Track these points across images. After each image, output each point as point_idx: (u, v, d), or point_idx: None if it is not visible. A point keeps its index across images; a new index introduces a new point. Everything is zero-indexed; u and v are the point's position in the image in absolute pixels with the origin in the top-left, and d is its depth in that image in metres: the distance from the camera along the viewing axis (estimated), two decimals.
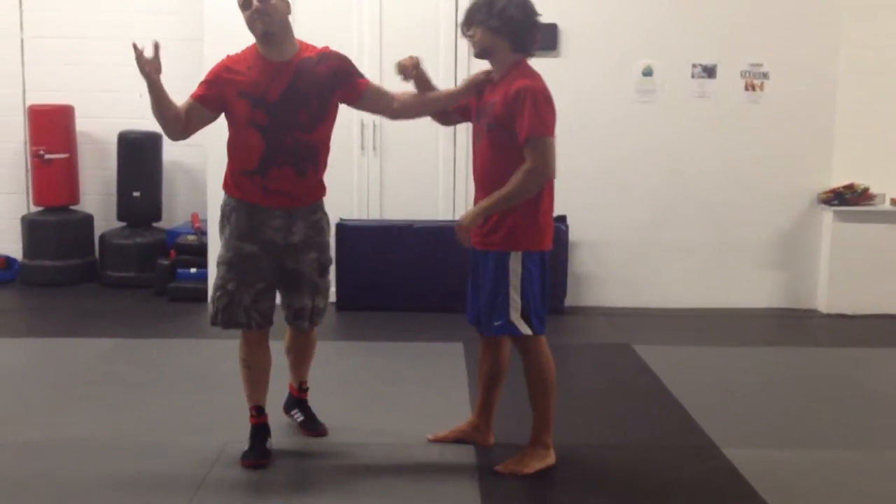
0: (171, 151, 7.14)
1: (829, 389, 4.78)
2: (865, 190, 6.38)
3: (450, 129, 6.37)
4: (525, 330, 3.50)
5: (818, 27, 6.38)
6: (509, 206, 3.42)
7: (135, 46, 3.22)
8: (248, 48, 3.52)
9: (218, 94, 3.44)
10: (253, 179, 3.47)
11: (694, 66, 6.40)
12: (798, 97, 6.42)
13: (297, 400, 4.03)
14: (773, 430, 4.13)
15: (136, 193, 7.00)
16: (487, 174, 3.51)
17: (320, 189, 3.66)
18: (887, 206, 6.45)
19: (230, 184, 3.56)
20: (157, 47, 3.27)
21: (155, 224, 7.21)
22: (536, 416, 3.62)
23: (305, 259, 3.60)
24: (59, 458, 3.70)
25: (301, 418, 3.99)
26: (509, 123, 3.40)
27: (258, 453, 3.65)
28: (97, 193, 7.41)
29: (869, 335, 5.96)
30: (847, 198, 6.37)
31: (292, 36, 3.51)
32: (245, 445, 3.69)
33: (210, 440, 3.86)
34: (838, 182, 6.44)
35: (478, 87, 3.63)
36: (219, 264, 3.57)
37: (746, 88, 6.42)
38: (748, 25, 6.37)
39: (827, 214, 6.43)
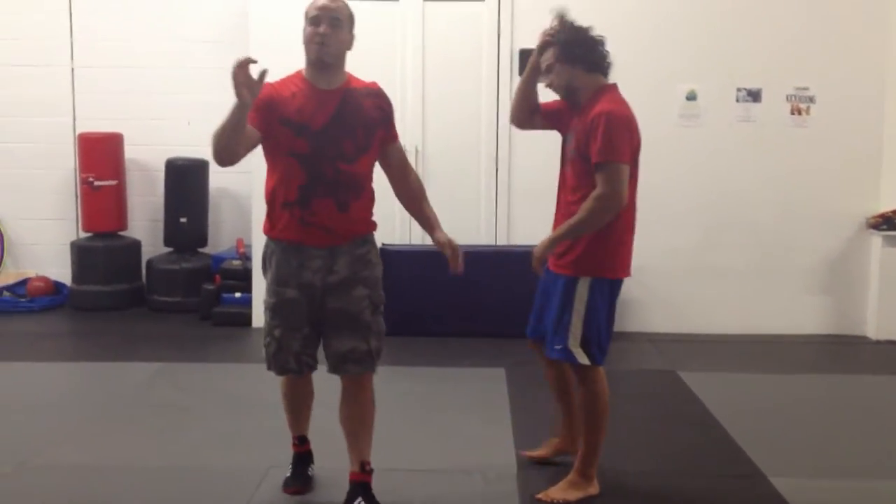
0: (218, 178, 7.23)
1: (880, 418, 4.68)
2: None
3: (492, 155, 6.41)
4: (583, 360, 3.46)
5: (864, 49, 6.31)
6: (581, 234, 3.38)
7: (242, 63, 3.01)
8: (294, 74, 3.34)
9: (266, 118, 3.19)
10: (293, 212, 3.23)
11: (738, 90, 6.35)
12: (845, 121, 6.34)
13: (361, 485, 3.42)
14: (821, 460, 4.06)
15: (182, 219, 7.10)
16: (568, 202, 3.49)
17: (365, 225, 3.38)
18: None
19: (269, 225, 3.33)
20: (263, 74, 3.01)
21: (201, 249, 7.30)
22: (585, 445, 3.58)
23: (353, 296, 3.29)
24: (106, 480, 3.74)
25: None
26: (586, 150, 3.38)
27: (300, 480, 3.65)
28: (145, 219, 7.52)
29: None
30: None
31: (344, 68, 3.34)
32: (287, 470, 3.69)
33: (254, 464, 3.88)
34: (887, 207, 6.34)
35: None
36: (265, 310, 3.39)
37: (792, 112, 6.35)
38: (793, 49, 6.32)
39: (876, 239, 6.32)
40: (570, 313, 3.43)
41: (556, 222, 3.58)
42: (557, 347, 3.48)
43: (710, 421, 4.55)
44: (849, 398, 5.03)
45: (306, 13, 3.28)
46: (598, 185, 3.33)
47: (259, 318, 6.45)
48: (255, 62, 3.01)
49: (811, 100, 6.33)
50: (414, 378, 5.28)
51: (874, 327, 6.36)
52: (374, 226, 3.42)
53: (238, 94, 2.98)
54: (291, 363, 3.39)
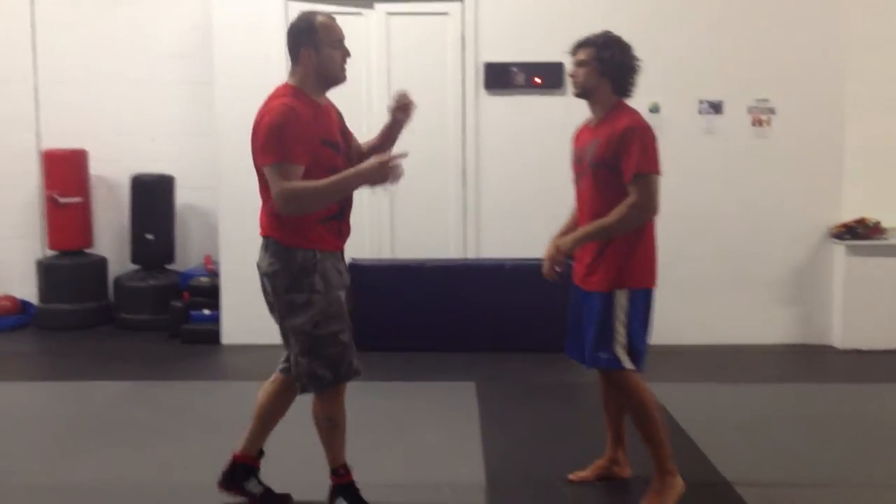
0: (184, 194, 7.21)
1: (846, 426, 4.73)
2: (877, 224, 6.37)
3: (459, 169, 6.44)
4: (628, 364, 3.51)
5: (824, 62, 6.41)
6: (607, 237, 3.46)
7: (388, 162, 3.17)
8: (289, 98, 3.25)
9: (309, 147, 3.21)
10: (331, 225, 3.34)
11: (701, 102, 6.44)
12: (806, 132, 6.43)
13: (343, 488, 3.50)
14: (787, 468, 4.10)
15: (149, 236, 7.06)
16: (594, 214, 3.52)
17: None
18: None
19: (304, 237, 3.27)
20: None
21: (168, 266, 7.26)
22: (651, 447, 3.60)
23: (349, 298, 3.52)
24: (75, 501, 3.71)
25: None
26: (615, 162, 3.44)
27: None
28: (111, 236, 7.46)
29: (885, 371, 5.90)
30: (859, 232, 6.35)
31: None
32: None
33: None
34: (849, 216, 6.43)
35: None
36: (319, 322, 3.28)
37: (753, 124, 6.44)
38: (753, 61, 6.41)
39: (839, 249, 6.41)
40: (612, 322, 3.49)
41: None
42: (604, 357, 3.52)
43: (678, 430, 4.58)
44: (814, 407, 5.09)
45: (320, 35, 3.32)
46: (632, 194, 3.41)
47: (229, 334, 6.46)
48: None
49: (772, 111, 6.43)
50: (383, 393, 5.27)
51: (839, 336, 6.44)
52: None
53: (386, 181, 3.21)
54: (356, 363, 3.40)
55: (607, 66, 3.53)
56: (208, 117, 6.71)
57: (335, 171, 3.25)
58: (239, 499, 3.64)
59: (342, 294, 3.37)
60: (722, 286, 6.52)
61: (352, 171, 3.23)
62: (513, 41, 6.39)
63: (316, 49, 3.30)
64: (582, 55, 3.59)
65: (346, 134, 3.48)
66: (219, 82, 6.38)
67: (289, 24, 3.44)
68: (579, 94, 3.64)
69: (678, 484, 3.60)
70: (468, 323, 6.22)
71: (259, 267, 3.40)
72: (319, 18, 3.34)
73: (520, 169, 6.48)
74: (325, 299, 3.29)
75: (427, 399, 5.19)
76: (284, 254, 3.28)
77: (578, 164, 3.65)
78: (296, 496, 3.69)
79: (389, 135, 3.61)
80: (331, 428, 3.42)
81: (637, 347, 3.53)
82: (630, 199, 3.41)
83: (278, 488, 3.68)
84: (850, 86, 6.46)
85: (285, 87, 3.34)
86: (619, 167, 3.44)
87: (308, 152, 3.20)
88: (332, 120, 3.39)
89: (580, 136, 3.71)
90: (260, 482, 3.66)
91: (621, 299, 3.49)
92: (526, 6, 6.38)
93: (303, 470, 3.84)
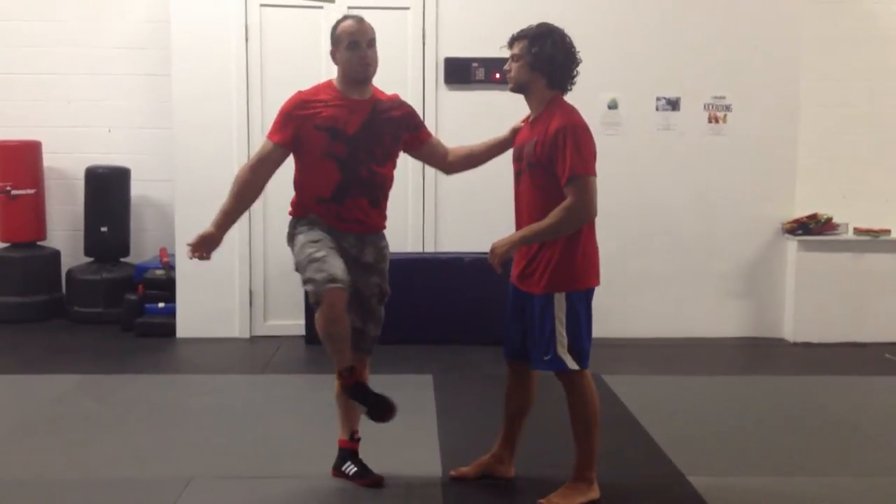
0: (139, 186, 7.12)
1: (796, 417, 4.81)
2: (829, 220, 6.48)
3: (418, 162, 6.43)
4: (572, 364, 3.48)
5: (778, 60, 6.50)
6: (544, 240, 3.42)
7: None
8: (321, 85, 3.71)
9: (295, 132, 3.57)
10: (329, 208, 3.58)
11: (658, 98, 6.49)
12: (760, 129, 6.52)
13: (349, 452, 3.84)
14: (739, 458, 4.16)
15: (103, 229, 6.96)
16: (532, 213, 3.48)
17: (386, 220, 3.79)
18: (851, 235, 6.55)
19: (301, 210, 3.66)
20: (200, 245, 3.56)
21: (123, 259, 7.16)
22: (580, 450, 3.59)
23: (370, 282, 3.70)
24: (23, 495, 3.65)
25: (354, 469, 3.80)
26: (550, 164, 3.40)
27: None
28: (64, 229, 7.35)
29: (835, 363, 6.01)
30: (811, 227, 6.45)
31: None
32: (212, 477, 3.68)
33: (175, 475, 3.83)
34: (802, 212, 6.54)
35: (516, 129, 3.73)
36: (302, 248, 3.51)
37: (710, 121, 6.51)
38: (710, 59, 6.48)
39: (792, 244, 6.51)
40: (552, 324, 3.46)
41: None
42: (546, 358, 3.49)
43: (632, 422, 4.63)
44: (766, 399, 5.17)
45: (339, 38, 3.63)
46: (569, 197, 3.36)
47: (185, 327, 6.42)
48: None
49: (728, 108, 6.50)
50: None
51: (791, 330, 6.54)
52: (386, 221, 3.82)
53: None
54: (339, 272, 3.41)
55: (539, 59, 3.47)
56: (165, 109, 6.64)
57: (333, 156, 3.54)
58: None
59: (332, 242, 3.52)
60: (676, 280, 6.59)
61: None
62: (473, 36, 6.39)
63: (337, 51, 3.63)
64: (516, 49, 3.54)
65: (374, 132, 3.60)
66: (176, 74, 6.31)
67: None
68: (513, 89, 3.60)
69: (593, 491, 3.59)
70: (426, 316, 6.22)
71: None
72: (342, 23, 3.66)
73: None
74: (306, 234, 3.56)
75: (384, 391, 5.15)
76: (292, 221, 3.69)
77: (517, 161, 3.61)
78: None
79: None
80: (332, 341, 3.47)
81: (580, 347, 3.50)
82: (566, 203, 3.36)
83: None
84: (805, 83, 6.56)
85: (326, 81, 3.75)
86: (553, 169, 3.40)
87: (285, 136, 3.56)
88: (352, 114, 3.58)
89: (520, 133, 3.66)
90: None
91: (560, 301, 3.46)
92: (486, 2, 6.39)
93: None
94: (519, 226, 3.59)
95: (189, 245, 3.58)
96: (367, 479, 3.76)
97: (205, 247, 3.56)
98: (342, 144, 3.55)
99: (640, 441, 4.37)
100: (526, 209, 3.54)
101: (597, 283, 3.58)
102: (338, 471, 3.83)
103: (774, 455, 4.22)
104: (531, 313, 3.54)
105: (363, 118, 3.60)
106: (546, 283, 3.47)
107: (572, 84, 3.59)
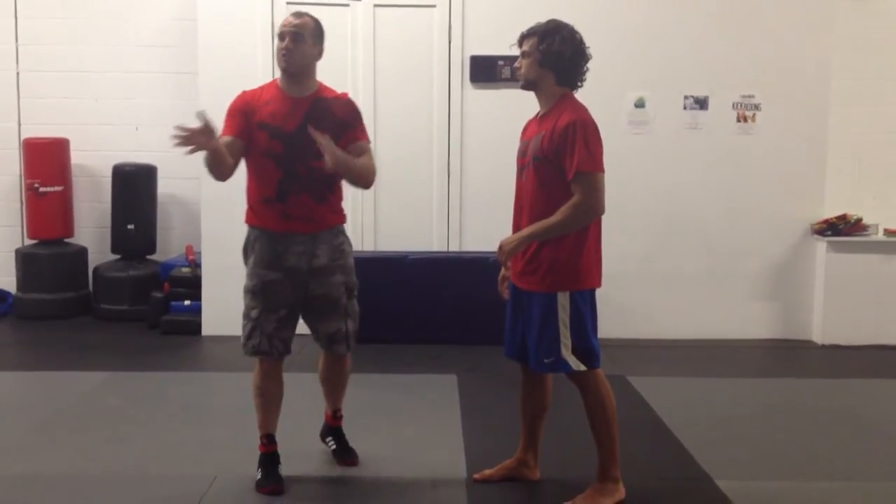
0: (166, 184, 7.16)
1: (825, 421, 4.75)
2: (859, 220, 6.40)
3: (444, 162, 6.43)
4: (577, 366, 3.44)
5: (809, 59, 6.43)
6: (551, 237, 3.37)
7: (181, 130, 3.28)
8: (268, 84, 3.76)
9: (244, 125, 3.59)
10: (274, 207, 3.59)
11: (686, 97, 6.44)
12: (790, 128, 6.45)
13: (333, 428, 4.07)
14: (767, 462, 4.11)
15: (130, 226, 7.00)
16: (534, 209, 3.45)
17: (339, 215, 3.76)
18: (881, 236, 6.46)
19: (251, 215, 3.69)
20: (201, 116, 3.32)
21: (149, 257, 7.21)
22: (601, 450, 3.55)
23: (333, 282, 3.69)
24: (51, 491, 3.67)
25: (334, 447, 4.02)
26: (557, 159, 3.36)
27: (273, 479, 3.66)
28: (91, 226, 7.41)
29: (864, 366, 5.94)
30: (840, 228, 6.38)
31: (314, 77, 3.69)
32: (236, 476, 3.69)
33: (200, 472, 3.84)
34: (831, 212, 6.46)
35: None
36: (245, 293, 3.66)
37: (738, 120, 6.45)
38: (739, 57, 6.42)
39: (821, 245, 6.44)
40: (555, 324, 3.42)
41: (516, 230, 3.54)
42: (547, 361, 3.45)
43: (659, 425, 4.59)
44: (794, 402, 5.11)
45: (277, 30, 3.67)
46: (576, 194, 3.33)
47: (210, 325, 6.43)
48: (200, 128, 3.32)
49: (757, 107, 6.44)
50: (365, 385, 5.24)
51: (820, 332, 6.47)
52: (345, 217, 3.80)
53: (202, 149, 3.34)
54: (264, 344, 3.61)
55: (547, 56, 3.44)
56: (192, 107, 6.64)
57: (273, 155, 3.56)
58: None
59: (273, 274, 3.59)
60: (705, 281, 6.53)
61: None
62: (499, 34, 6.33)
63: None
64: (525, 46, 3.50)
65: (319, 127, 3.46)
66: (203, 73, 6.33)
67: None
68: (523, 87, 3.56)
69: (619, 491, 3.56)
70: (451, 316, 6.21)
71: None
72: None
73: (504, 162, 6.34)
74: (249, 274, 3.66)
75: (409, 391, 5.18)
76: (247, 233, 3.72)
77: (522, 157, 3.57)
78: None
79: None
80: (256, 397, 3.71)
81: (587, 346, 3.46)
82: (573, 200, 3.32)
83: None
84: (835, 83, 6.48)
85: (271, 80, 3.77)
86: (560, 164, 3.35)
87: (235, 128, 3.58)
88: (290, 111, 3.57)
89: (527, 129, 3.62)
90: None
91: (563, 301, 3.41)
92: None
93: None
94: (517, 221, 3.56)
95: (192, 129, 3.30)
96: (345, 459, 3.96)
97: (205, 136, 3.31)
98: (280, 142, 3.56)
99: (667, 444, 4.33)
100: (527, 205, 3.50)
101: (598, 284, 3.53)
102: (323, 439, 4.09)
103: (802, 459, 4.17)
104: (531, 313, 3.50)
105: (301, 115, 3.58)
106: (550, 281, 3.42)
107: (582, 80, 3.56)
